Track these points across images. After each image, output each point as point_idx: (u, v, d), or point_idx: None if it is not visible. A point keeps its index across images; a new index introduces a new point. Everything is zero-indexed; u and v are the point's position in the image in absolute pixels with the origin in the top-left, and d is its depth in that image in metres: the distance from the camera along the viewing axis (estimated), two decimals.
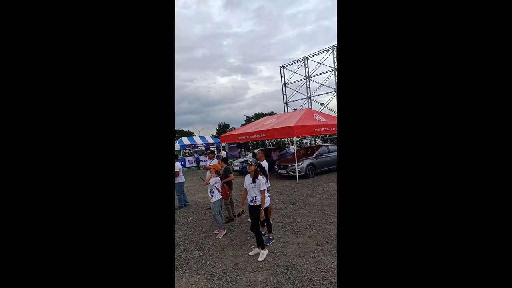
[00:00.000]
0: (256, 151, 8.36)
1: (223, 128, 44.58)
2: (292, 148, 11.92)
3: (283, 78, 23.48)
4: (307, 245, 3.56)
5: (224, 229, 4.33)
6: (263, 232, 3.71)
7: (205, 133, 33.34)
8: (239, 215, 3.79)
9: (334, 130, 10.06)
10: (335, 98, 18.95)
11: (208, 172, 4.60)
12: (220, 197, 4.31)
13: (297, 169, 8.56)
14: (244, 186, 3.60)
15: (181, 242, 4.10)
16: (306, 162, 9.02)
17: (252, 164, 3.49)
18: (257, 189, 3.39)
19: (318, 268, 2.91)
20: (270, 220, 4.30)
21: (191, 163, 17.37)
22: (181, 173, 6.31)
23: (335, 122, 9.88)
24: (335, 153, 9.41)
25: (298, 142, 22.83)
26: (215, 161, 5.60)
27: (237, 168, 11.23)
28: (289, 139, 15.24)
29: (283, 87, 23.45)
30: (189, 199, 6.84)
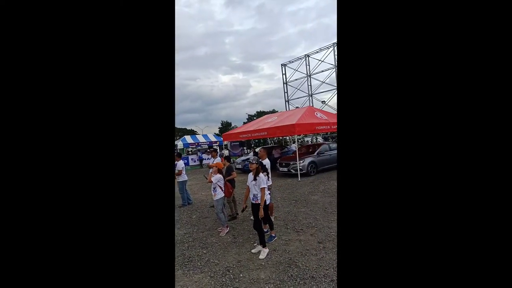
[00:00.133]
0: (257, 149, 8.38)
1: (225, 127, 44.65)
2: (294, 146, 11.93)
3: (284, 76, 23.45)
4: (309, 243, 3.60)
5: (227, 227, 4.39)
6: (265, 230, 3.75)
7: (207, 132, 33.36)
8: (243, 210, 3.84)
9: (335, 128, 10.05)
10: (336, 96, 18.86)
11: (210, 170, 4.65)
12: (223, 195, 4.35)
13: (298, 167, 8.60)
14: (247, 183, 3.66)
15: (185, 240, 4.17)
16: (308, 160, 9.05)
17: (254, 162, 3.55)
18: (258, 187, 3.43)
19: (320, 266, 2.95)
20: (272, 218, 4.35)
21: (194, 161, 17.44)
22: (184, 172, 6.36)
23: (336, 120, 9.85)
24: (336, 151, 9.39)
25: (299, 140, 22.81)
26: (218, 160, 5.64)
27: (239, 166, 11.27)
28: (290, 137, 15.24)
29: (285, 85, 23.41)
30: (193, 197, 6.90)
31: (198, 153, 17.96)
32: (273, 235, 3.86)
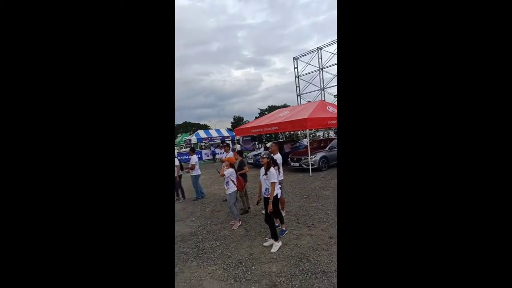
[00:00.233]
0: (268, 144, 8.39)
1: (237, 121, 44.86)
2: (305, 141, 11.87)
3: (296, 69, 23.16)
4: (320, 237, 3.63)
5: (239, 220, 4.48)
6: (276, 224, 3.81)
7: (220, 126, 33.67)
8: (257, 203, 3.90)
9: None
10: None
11: (223, 164, 4.73)
12: (236, 189, 4.42)
13: (310, 162, 8.57)
14: (259, 178, 3.71)
15: (199, 232, 4.29)
16: (319, 155, 9.00)
17: (265, 156, 3.60)
18: (269, 181, 3.48)
19: (331, 261, 2.98)
20: (284, 212, 4.39)
21: (207, 155, 17.71)
22: (197, 166, 6.50)
23: None
24: None
25: (311, 135, 22.61)
26: (231, 154, 5.72)
27: (251, 160, 11.36)
28: (302, 131, 15.14)
29: (296, 78, 23.15)
30: (205, 191, 7.04)
31: (211, 147, 18.20)
32: (284, 229, 3.91)
